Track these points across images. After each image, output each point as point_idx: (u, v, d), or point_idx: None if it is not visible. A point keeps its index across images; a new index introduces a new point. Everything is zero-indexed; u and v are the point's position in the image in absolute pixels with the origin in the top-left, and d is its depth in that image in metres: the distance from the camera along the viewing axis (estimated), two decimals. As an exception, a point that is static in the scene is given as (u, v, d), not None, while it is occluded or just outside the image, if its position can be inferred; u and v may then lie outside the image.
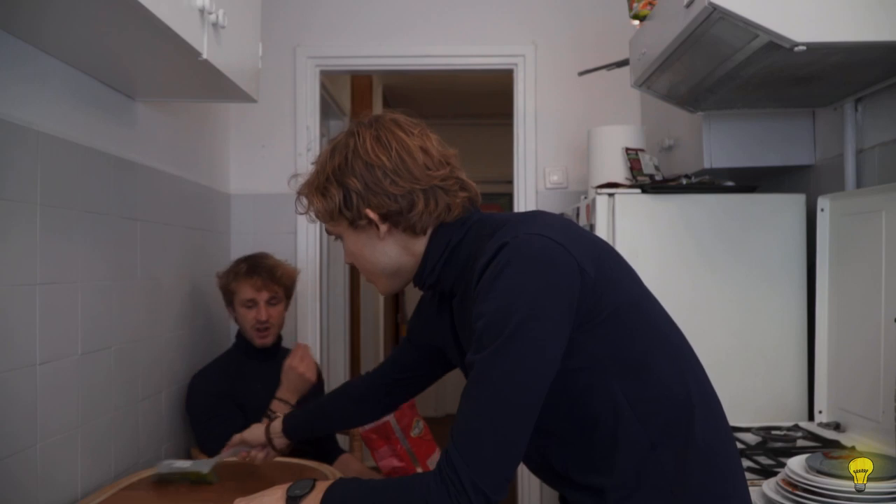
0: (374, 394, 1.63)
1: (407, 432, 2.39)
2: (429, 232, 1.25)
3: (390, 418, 2.37)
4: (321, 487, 1.18)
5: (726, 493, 1.17)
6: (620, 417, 1.13)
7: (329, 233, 1.32)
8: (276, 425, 1.76)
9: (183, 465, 1.89)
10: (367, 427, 2.35)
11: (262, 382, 2.40)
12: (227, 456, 1.86)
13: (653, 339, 1.18)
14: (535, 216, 1.21)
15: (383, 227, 1.23)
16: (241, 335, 2.56)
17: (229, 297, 2.52)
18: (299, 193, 1.31)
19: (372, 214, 1.22)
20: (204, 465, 1.85)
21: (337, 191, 1.23)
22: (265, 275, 2.50)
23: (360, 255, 1.28)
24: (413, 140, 1.23)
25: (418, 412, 2.52)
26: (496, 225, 1.20)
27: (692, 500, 1.13)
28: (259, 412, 2.35)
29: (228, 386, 2.42)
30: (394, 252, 1.26)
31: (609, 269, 1.16)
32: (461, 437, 1.07)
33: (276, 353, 2.52)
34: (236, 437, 1.84)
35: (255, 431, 1.80)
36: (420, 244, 1.25)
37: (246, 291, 2.48)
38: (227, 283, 2.54)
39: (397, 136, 1.23)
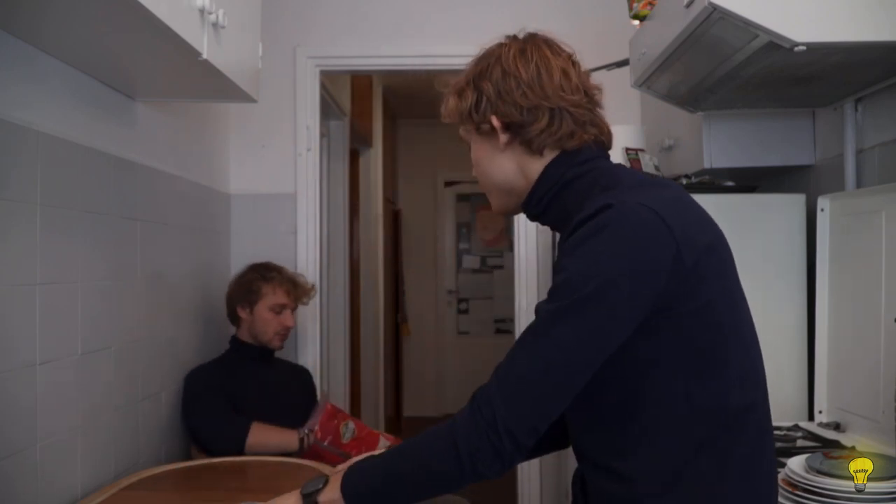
0: None
1: (337, 444, 2.33)
2: (546, 158, 1.23)
3: (315, 442, 2.29)
4: (336, 478, 1.15)
5: None
6: (671, 414, 1.09)
7: (461, 137, 1.32)
8: None
9: None
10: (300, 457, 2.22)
11: (256, 382, 2.42)
12: None
13: (734, 345, 1.12)
14: (654, 185, 1.18)
15: (503, 137, 1.23)
16: (237, 339, 2.57)
17: (252, 297, 2.52)
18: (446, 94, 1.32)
19: (495, 121, 1.22)
20: None
21: (472, 93, 1.24)
22: (296, 285, 2.59)
23: (479, 165, 1.29)
24: (557, 60, 1.23)
25: (345, 416, 2.42)
26: (614, 181, 1.17)
27: None
28: (250, 412, 2.35)
29: (223, 382, 2.44)
30: (510, 168, 1.25)
31: (712, 261, 1.11)
32: (505, 378, 1.07)
33: (271, 356, 2.58)
34: None
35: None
36: (536, 167, 1.23)
37: (280, 297, 2.53)
38: (251, 283, 2.54)
39: (542, 52, 1.24)
